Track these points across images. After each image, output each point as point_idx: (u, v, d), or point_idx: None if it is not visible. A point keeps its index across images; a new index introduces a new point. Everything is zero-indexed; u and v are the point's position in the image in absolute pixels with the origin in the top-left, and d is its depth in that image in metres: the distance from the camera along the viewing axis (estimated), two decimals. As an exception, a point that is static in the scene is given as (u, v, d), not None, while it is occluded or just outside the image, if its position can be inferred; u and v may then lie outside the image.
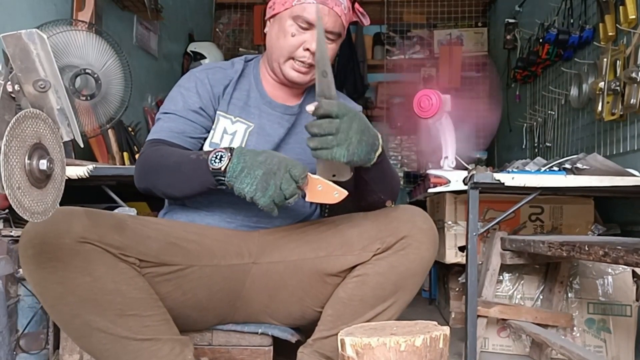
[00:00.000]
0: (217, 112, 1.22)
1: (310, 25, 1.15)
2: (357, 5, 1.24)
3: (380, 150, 1.03)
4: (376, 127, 1.05)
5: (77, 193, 1.90)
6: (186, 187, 1.07)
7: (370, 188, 1.14)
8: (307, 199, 1.01)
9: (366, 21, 1.25)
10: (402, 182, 4.05)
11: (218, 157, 0.99)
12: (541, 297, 1.82)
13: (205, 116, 1.20)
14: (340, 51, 4.19)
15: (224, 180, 0.98)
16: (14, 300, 1.51)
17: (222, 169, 0.97)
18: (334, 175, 1.05)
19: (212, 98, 1.21)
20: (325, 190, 1.00)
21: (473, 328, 1.52)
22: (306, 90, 1.29)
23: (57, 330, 1.52)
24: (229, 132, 1.21)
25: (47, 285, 0.91)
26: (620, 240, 1.43)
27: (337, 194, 1.00)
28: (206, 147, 1.20)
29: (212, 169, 0.98)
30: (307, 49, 1.15)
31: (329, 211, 1.47)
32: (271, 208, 0.95)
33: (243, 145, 1.20)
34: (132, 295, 0.95)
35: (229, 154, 0.98)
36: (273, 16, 1.21)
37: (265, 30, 1.25)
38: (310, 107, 0.98)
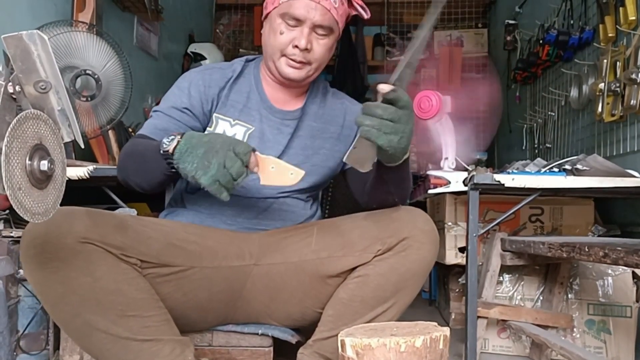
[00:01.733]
0: (215, 114, 1.21)
1: (298, 22, 1.13)
2: None
3: (407, 154, 1.03)
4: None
5: (77, 194, 1.90)
6: (148, 175, 1.06)
7: (387, 189, 1.13)
8: (261, 181, 0.98)
9: (366, 14, 1.22)
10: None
11: (169, 139, 0.97)
12: (541, 298, 1.82)
13: (190, 115, 1.18)
14: (341, 52, 4.20)
15: (172, 162, 0.96)
16: (14, 301, 1.51)
17: (170, 150, 0.95)
18: (357, 164, 1.02)
19: (205, 99, 1.20)
20: (279, 171, 0.97)
21: (473, 329, 1.52)
22: (307, 92, 1.29)
23: (58, 331, 1.52)
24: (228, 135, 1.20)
25: (49, 285, 0.91)
26: (620, 241, 1.44)
27: (293, 174, 0.97)
28: None
29: (163, 151, 0.96)
30: (296, 46, 1.14)
31: (329, 212, 1.48)
32: (217, 189, 0.91)
33: None
34: (133, 296, 0.95)
35: (179, 137, 0.96)
36: (266, 17, 1.21)
37: (262, 32, 1.25)
38: (383, 86, 0.94)
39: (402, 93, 0.94)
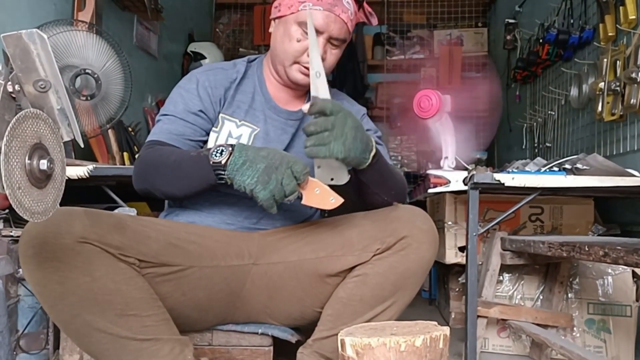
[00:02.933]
0: (221, 114, 1.21)
1: (316, 32, 1.14)
2: (365, 5, 1.23)
3: (374, 151, 1.05)
4: (376, 127, 1.06)
5: (77, 193, 1.90)
6: (185, 185, 1.06)
7: (370, 190, 1.15)
8: (303, 201, 1.01)
9: (374, 21, 1.24)
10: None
11: (219, 151, 0.99)
12: (541, 297, 1.82)
13: (205, 118, 1.19)
14: (341, 51, 4.20)
15: (224, 175, 0.98)
16: (14, 300, 1.51)
17: (223, 162, 0.98)
18: (332, 179, 1.05)
19: (213, 100, 1.20)
20: (322, 195, 1.01)
21: (473, 328, 1.52)
22: (308, 93, 1.29)
23: (57, 331, 1.52)
24: (234, 136, 1.20)
25: (47, 285, 0.91)
26: (620, 241, 1.43)
27: (334, 200, 1.01)
28: None
29: (213, 162, 0.99)
30: None
31: (329, 212, 1.47)
32: (270, 204, 0.95)
33: None
34: (132, 295, 0.95)
35: (230, 149, 0.99)
36: (278, 17, 1.20)
37: (270, 30, 1.24)
38: (305, 107, 1.00)
39: (322, 102, 0.98)
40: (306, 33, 1.14)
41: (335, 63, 1.21)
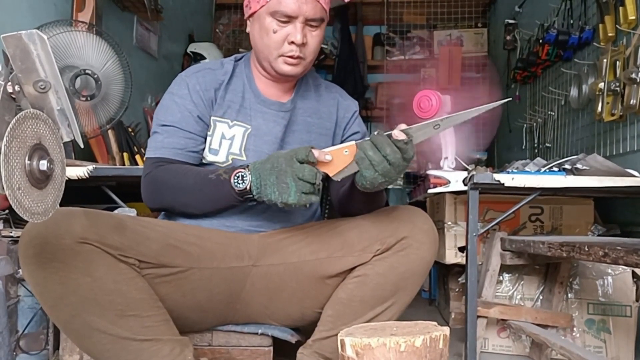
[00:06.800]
0: (212, 117, 1.21)
1: (289, 18, 1.13)
2: None
3: None
4: (376, 128, 1.06)
5: (77, 193, 1.90)
6: (209, 207, 1.13)
7: (355, 205, 1.18)
8: (331, 174, 1.01)
9: None
10: (402, 183, 4.07)
11: (240, 178, 1.04)
12: (541, 297, 1.82)
13: (202, 125, 1.19)
14: (340, 51, 4.21)
15: (252, 197, 1.04)
16: (14, 301, 1.51)
17: (248, 188, 1.03)
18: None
19: (206, 103, 1.20)
20: (336, 157, 1.00)
21: (473, 328, 1.52)
22: (296, 86, 1.29)
23: (57, 331, 1.52)
24: (227, 137, 1.20)
25: (48, 286, 0.91)
26: (620, 241, 1.43)
27: (347, 152, 1.01)
28: (205, 154, 1.20)
29: (239, 190, 1.04)
30: (292, 42, 1.14)
31: (329, 213, 1.48)
32: (306, 199, 0.98)
33: (242, 148, 1.20)
34: (132, 296, 0.95)
35: (249, 173, 1.03)
36: (251, 15, 1.20)
37: (247, 30, 1.24)
38: (399, 134, 0.97)
39: (412, 148, 0.98)
40: (281, 22, 1.14)
41: (318, 45, 1.20)
